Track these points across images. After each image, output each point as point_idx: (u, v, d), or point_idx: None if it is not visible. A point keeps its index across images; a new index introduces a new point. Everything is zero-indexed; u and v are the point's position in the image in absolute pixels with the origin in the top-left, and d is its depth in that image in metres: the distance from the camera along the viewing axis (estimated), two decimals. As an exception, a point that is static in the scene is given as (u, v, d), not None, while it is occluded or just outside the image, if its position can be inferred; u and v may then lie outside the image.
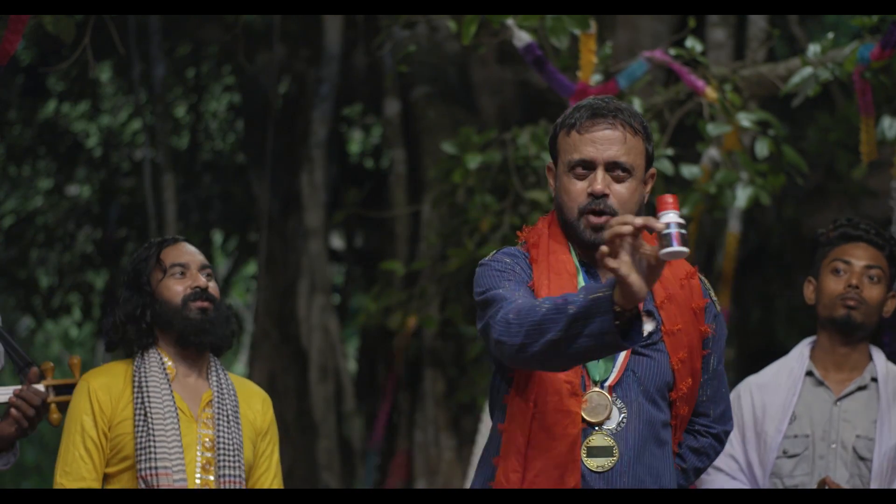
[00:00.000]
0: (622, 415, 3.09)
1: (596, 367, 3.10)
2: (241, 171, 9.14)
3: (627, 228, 2.67)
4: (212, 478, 3.51)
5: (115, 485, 3.51)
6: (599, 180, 3.09)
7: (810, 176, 6.12)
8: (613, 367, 3.11)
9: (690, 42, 5.31)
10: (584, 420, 3.06)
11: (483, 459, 3.22)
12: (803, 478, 3.93)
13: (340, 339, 7.92)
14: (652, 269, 2.70)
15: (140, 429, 3.48)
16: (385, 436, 7.44)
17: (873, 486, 3.86)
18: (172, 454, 3.46)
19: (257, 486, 3.66)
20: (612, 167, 3.10)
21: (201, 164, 9.64)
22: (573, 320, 2.78)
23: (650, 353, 3.13)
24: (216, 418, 3.56)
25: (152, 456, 3.45)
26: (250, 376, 7.66)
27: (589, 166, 3.11)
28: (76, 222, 9.36)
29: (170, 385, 3.55)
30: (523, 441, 3.06)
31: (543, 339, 2.84)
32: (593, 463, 3.06)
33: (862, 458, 3.90)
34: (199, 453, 3.52)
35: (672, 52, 5.28)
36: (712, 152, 5.61)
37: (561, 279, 3.10)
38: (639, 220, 2.67)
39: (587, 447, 3.06)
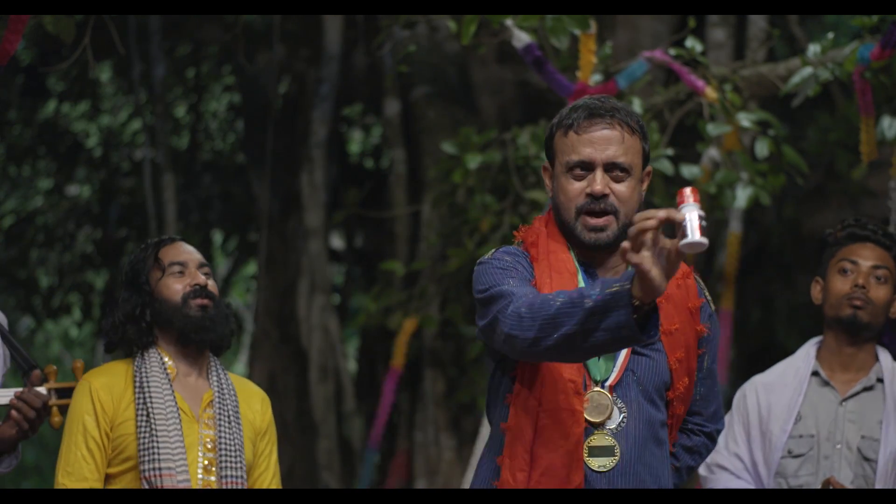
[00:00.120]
0: (622, 414, 3.09)
1: (596, 367, 3.10)
2: (241, 171, 9.14)
3: (652, 223, 2.67)
4: (213, 478, 3.51)
5: (117, 485, 3.50)
6: (599, 181, 3.09)
7: (810, 176, 6.12)
8: (614, 366, 3.11)
9: (690, 42, 5.31)
10: (585, 420, 3.06)
11: (483, 458, 3.22)
12: (808, 478, 3.92)
13: (340, 339, 7.93)
14: (672, 262, 2.70)
15: (143, 429, 3.47)
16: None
17: (878, 487, 3.86)
18: (176, 455, 3.46)
19: (256, 486, 3.66)
20: (610, 167, 3.09)
21: (201, 164, 9.64)
22: (590, 314, 2.78)
23: (649, 353, 3.14)
24: (217, 419, 3.56)
25: (155, 457, 3.44)
26: (250, 376, 7.66)
27: (588, 167, 3.10)
28: (76, 222, 9.36)
29: (171, 385, 3.54)
30: (529, 440, 3.06)
31: (558, 333, 2.84)
32: (595, 462, 3.06)
33: (867, 459, 3.90)
34: (200, 454, 3.52)
35: (672, 52, 5.28)
36: (712, 152, 5.61)
37: (562, 278, 3.10)
38: (662, 213, 2.67)
39: (588, 447, 3.06)
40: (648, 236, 2.68)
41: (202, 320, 3.57)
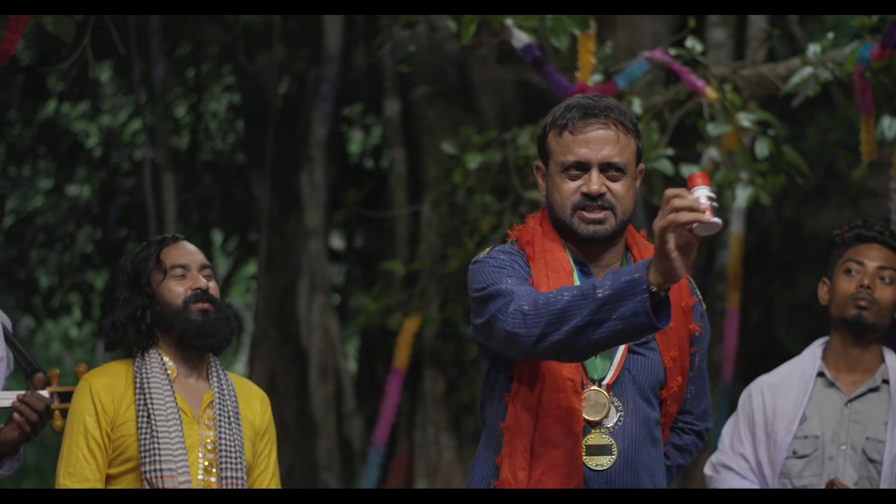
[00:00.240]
0: (619, 413, 3.10)
1: (593, 366, 3.11)
2: (241, 171, 9.14)
3: (687, 216, 2.68)
4: (213, 479, 3.50)
5: (118, 486, 3.49)
6: (595, 181, 3.09)
7: (810, 176, 6.12)
8: (611, 365, 3.11)
9: (690, 42, 5.31)
10: (582, 418, 3.06)
11: (480, 458, 3.21)
12: (812, 479, 3.92)
13: (340, 339, 7.92)
14: (689, 245, 2.73)
15: (143, 430, 3.46)
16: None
17: (882, 488, 3.85)
18: (177, 456, 3.45)
19: (255, 486, 3.65)
20: (606, 167, 3.10)
21: (201, 164, 9.64)
22: (604, 303, 2.79)
23: (644, 352, 3.14)
24: (217, 419, 3.55)
25: (157, 458, 3.44)
26: (250, 376, 7.66)
27: (583, 167, 3.10)
28: (76, 222, 9.35)
29: (171, 386, 3.54)
30: (529, 439, 3.06)
31: (566, 327, 2.84)
32: (592, 461, 3.06)
33: (871, 461, 3.90)
34: (201, 455, 3.51)
35: (672, 52, 5.28)
36: (712, 152, 5.61)
37: (559, 276, 3.10)
38: (689, 216, 2.69)
39: (586, 445, 3.07)
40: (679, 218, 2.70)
41: (203, 325, 3.55)
